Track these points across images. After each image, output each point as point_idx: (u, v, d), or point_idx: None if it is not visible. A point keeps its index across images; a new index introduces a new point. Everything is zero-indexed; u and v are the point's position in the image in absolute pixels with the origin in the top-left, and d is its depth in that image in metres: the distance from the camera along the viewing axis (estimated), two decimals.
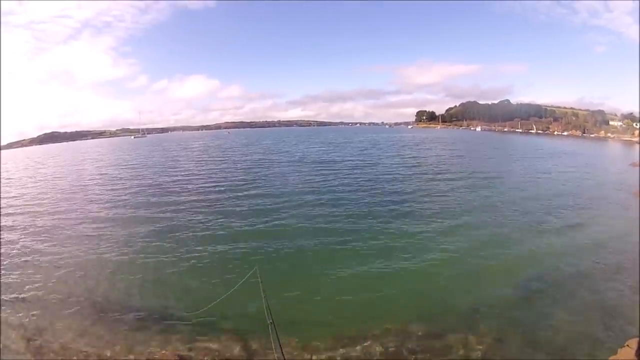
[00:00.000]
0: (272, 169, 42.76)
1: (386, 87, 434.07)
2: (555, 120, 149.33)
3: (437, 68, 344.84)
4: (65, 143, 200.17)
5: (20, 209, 27.41)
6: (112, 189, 33.68)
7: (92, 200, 29.00)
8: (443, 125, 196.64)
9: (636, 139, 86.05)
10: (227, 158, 58.92)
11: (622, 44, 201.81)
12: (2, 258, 16.97)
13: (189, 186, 33.01)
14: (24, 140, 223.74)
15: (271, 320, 5.85)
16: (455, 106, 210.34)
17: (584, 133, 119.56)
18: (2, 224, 22.79)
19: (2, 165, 62.52)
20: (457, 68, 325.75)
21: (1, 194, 33.26)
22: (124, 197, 29.48)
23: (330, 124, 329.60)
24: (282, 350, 5.21)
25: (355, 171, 39.37)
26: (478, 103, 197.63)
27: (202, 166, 48.34)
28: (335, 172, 38.45)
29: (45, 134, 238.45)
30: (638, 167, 38.63)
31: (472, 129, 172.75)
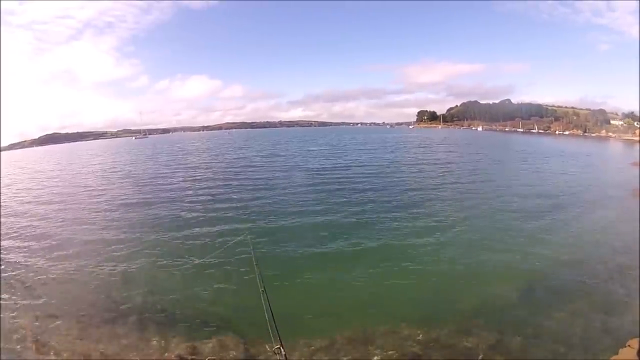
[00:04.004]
0: (274, 171, 42.74)
1: (388, 86, 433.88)
2: (557, 119, 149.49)
3: (440, 67, 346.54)
4: (66, 144, 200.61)
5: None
6: (106, 191, 33.70)
7: (83, 203, 29.06)
8: (444, 125, 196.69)
9: (637, 138, 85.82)
10: (224, 161, 58.87)
11: (624, 43, 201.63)
12: (2, 257, 17.05)
13: (187, 192, 32.98)
14: (25, 141, 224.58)
15: (263, 289, 5.78)
16: (457, 106, 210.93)
17: (585, 132, 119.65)
18: None
19: None
20: (460, 67, 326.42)
21: None
22: (117, 201, 29.43)
23: (331, 124, 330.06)
24: (274, 317, 5.17)
25: (362, 172, 39.11)
26: (479, 103, 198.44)
27: (198, 171, 48.00)
28: (341, 173, 38.36)
29: (46, 135, 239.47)
30: (638, 166, 38.52)
31: (473, 128, 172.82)
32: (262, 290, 5.65)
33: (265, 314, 5.09)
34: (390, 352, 9.45)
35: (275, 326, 4.88)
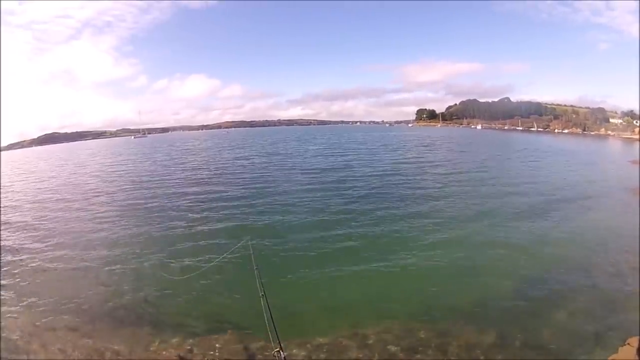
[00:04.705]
0: (273, 171, 42.69)
1: (388, 85, 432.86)
2: (556, 118, 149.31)
3: (439, 66, 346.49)
4: (65, 144, 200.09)
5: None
6: (103, 192, 33.62)
7: (89, 198, 29.00)
8: (443, 124, 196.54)
9: (636, 137, 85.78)
10: (222, 161, 58.72)
11: (623, 42, 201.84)
12: (1, 257, 17.01)
13: (184, 189, 32.87)
14: (24, 141, 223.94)
15: (263, 293, 5.80)
16: (456, 104, 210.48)
17: (584, 131, 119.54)
18: None
19: None
20: (459, 66, 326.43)
21: None
22: (115, 203, 29.34)
23: (330, 122, 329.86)
24: (273, 321, 5.16)
25: (362, 172, 38.99)
26: (478, 101, 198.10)
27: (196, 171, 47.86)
28: (341, 173, 38.26)
29: (45, 135, 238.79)
30: (638, 165, 38.55)
31: (472, 127, 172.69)
32: (262, 295, 5.66)
33: (265, 317, 5.10)
34: (390, 350, 9.47)
35: (275, 329, 4.89)
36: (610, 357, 8.05)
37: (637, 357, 7.60)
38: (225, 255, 12.89)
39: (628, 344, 8.07)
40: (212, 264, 13.49)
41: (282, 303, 11.13)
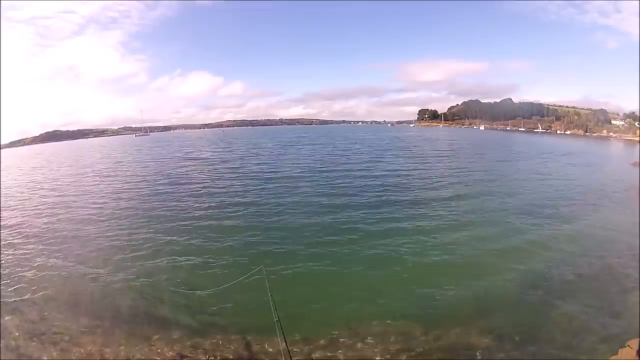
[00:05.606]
0: (280, 178, 42.50)
1: (390, 84, 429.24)
2: (558, 119, 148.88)
3: (442, 65, 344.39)
4: (67, 141, 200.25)
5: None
6: (106, 197, 33.57)
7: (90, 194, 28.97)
8: (445, 124, 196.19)
9: (637, 138, 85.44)
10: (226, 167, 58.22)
11: (629, 44, 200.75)
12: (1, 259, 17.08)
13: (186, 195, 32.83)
14: (26, 138, 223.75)
15: (277, 318, 5.76)
16: (458, 104, 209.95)
17: (586, 132, 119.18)
18: None
19: None
20: (464, 65, 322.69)
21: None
22: (121, 200, 29.35)
23: (332, 122, 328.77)
24: (288, 347, 5.18)
25: (367, 172, 38.89)
26: (480, 101, 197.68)
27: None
28: (341, 172, 38.20)
29: (47, 133, 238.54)
30: (639, 167, 38.53)
31: (475, 127, 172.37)
32: (277, 320, 5.60)
33: (280, 344, 4.98)
34: (390, 350, 9.57)
35: (289, 352, 4.80)
36: (610, 358, 8.15)
37: (637, 359, 7.69)
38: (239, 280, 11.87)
39: (628, 345, 8.16)
40: (224, 284, 12.03)
41: (284, 303, 11.14)
